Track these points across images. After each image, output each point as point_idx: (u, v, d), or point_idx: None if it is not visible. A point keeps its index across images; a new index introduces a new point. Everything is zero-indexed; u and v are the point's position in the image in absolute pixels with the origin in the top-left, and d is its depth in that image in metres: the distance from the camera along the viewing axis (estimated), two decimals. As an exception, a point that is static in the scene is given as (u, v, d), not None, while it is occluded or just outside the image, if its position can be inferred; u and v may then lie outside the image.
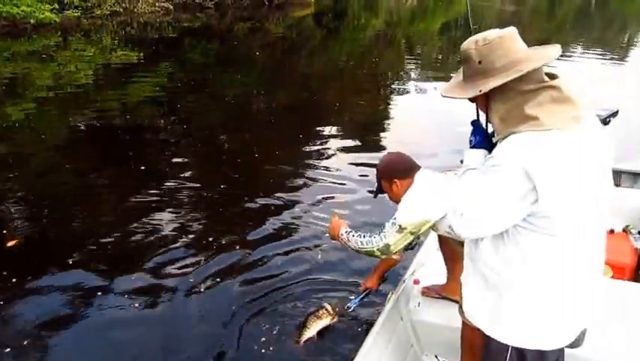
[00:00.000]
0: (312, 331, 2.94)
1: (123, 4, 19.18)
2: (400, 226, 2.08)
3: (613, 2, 54.30)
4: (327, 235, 2.57)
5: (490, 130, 1.59)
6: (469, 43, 1.49)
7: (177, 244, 4.10)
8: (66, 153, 6.25)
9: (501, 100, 1.44)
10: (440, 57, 15.66)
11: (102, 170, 5.67)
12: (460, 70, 1.57)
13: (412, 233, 2.10)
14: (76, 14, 16.85)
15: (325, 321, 2.97)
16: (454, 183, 1.57)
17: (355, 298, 3.09)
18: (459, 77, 1.57)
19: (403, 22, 26.48)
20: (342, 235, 2.35)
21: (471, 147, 1.62)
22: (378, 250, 2.17)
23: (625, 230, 3.39)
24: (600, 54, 15.71)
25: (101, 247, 4.09)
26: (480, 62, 1.46)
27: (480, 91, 1.43)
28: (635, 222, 3.43)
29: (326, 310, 3.01)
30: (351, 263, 3.75)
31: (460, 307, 1.90)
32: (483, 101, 1.49)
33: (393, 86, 11.14)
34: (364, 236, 2.24)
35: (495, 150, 1.44)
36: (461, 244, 2.36)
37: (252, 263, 3.86)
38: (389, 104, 9.48)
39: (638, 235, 3.32)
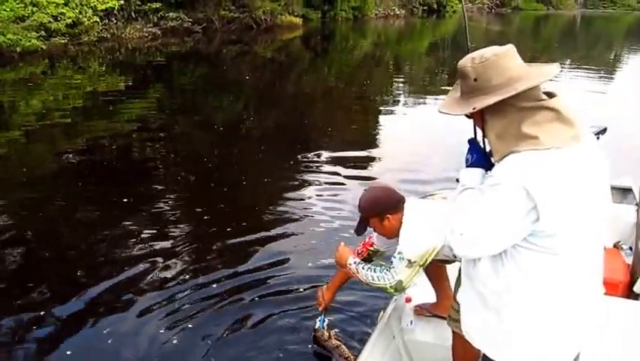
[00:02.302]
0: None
1: (111, 30, 19.19)
2: (409, 260, 2.12)
3: (597, 21, 55.67)
4: (334, 260, 2.55)
5: (487, 148, 1.57)
6: (465, 61, 1.48)
7: (164, 273, 4.00)
8: (53, 182, 6.09)
9: (497, 117, 1.43)
10: (428, 76, 15.78)
11: (90, 198, 5.55)
12: (458, 85, 1.56)
13: (420, 265, 2.16)
14: (63, 41, 16.76)
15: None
16: (452, 202, 1.56)
17: (321, 319, 2.95)
18: (456, 93, 1.56)
19: (391, 43, 26.75)
20: (350, 265, 2.35)
21: (467, 166, 1.59)
22: (391, 287, 2.20)
23: (616, 246, 3.37)
24: (587, 72, 15.96)
25: (89, 275, 4.00)
26: (476, 80, 1.45)
27: (474, 108, 1.43)
28: (625, 238, 3.43)
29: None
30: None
31: (450, 318, 1.89)
32: (479, 118, 1.49)
33: (382, 106, 11.14)
34: (375, 271, 2.25)
35: (494, 169, 1.43)
36: (444, 260, 2.42)
37: (239, 294, 3.72)
38: (379, 124, 9.46)
39: (629, 251, 3.31)
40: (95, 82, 12.65)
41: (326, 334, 2.91)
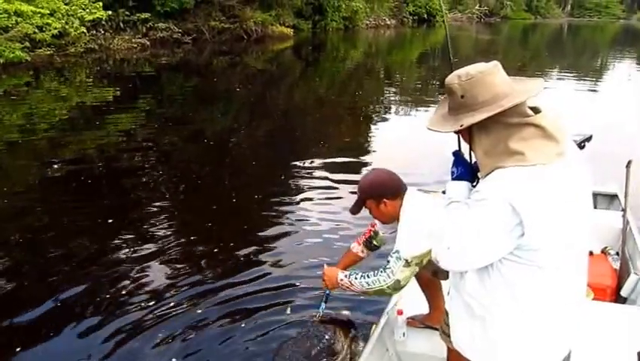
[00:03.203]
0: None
1: (98, 41, 18.83)
2: (406, 260, 2.11)
3: (584, 30, 56.38)
4: (324, 287, 2.51)
5: (472, 160, 1.60)
6: (452, 78, 1.50)
7: (151, 287, 3.88)
8: (39, 196, 5.85)
9: (485, 133, 1.45)
10: (419, 86, 15.70)
11: (76, 212, 5.34)
12: (445, 101, 1.58)
13: (417, 264, 2.16)
14: (48, 52, 16.37)
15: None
16: (440, 214, 1.57)
17: (321, 304, 2.83)
18: (444, 109, 1.58)
19: (382, 53, 26.73)
20: (341, 280, 2.32)
21: (453, 179, 1.61)
22: (388, 287, 2.17)
23: (603, 251, 3.47)
24: (575, 79, 16.09)
25: (74, 287, 3.88)
26: (463, 97, 1.47)
27: (461, 126, 1.45)
28: (612, 244, 3.52)
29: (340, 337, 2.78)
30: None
31: (443, 332, 1.91)
32: (467, 134, 1.51)
33: (374, 116, 11.01)
34: (368, 276, 2.21)
35: (480, 185, 1.46)
36: (434, 273, 2.46)
37: (228, 311, 3.59)
38: (371, 135, 9.30)
39: (616, 256, 3.40)
40: (81, 94, 12.33)
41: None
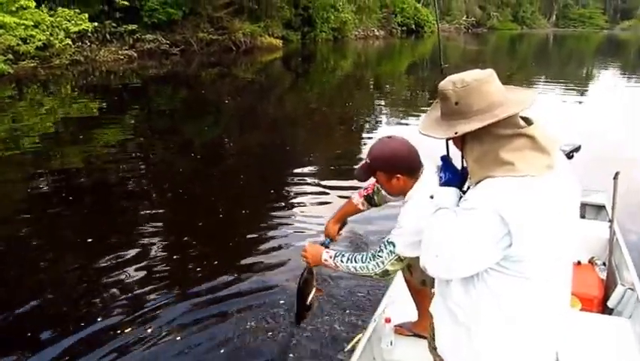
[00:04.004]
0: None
1: (84, 53, 18.64)
2: (399, 256, 2.02)
3: (569, 40, 57.11)
4: (305, 262, 2.31)
5: (459, 166, 1.59)
6: (446, 84, 1.48)
7: (137, 303, 3.80)
8: (22, 209, 5.72)
9: (476, 142, 1.44)
10: (409, 96, 15.70)
11: (61, 227, 5.25)
12: (437, 105, 1.56)
13: (411, 259, 2.06)
14: (32, 64, 16.13)
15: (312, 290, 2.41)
16: (428, 221, 1.54)
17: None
18: (436, 112, 1.56)
19: (371, 63, 26.76)
20: (326, 260, 2.19)
21: (441, 184, 1.59)
22: (376, 275, 2.08)
23: (591, 261, 3.48)
24: (561, 88, 16.19)
25: (61, 302, 3.87)
26: (457, 104, 1.46)
27: (455, 133, 1.44)
28: (600, 254, 3.54)
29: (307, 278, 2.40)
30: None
31: (432, 347, 1.88)
32: (458, 141, 1.50)
33: (365, 127, 10.93)
34: (356, 261, 2.09)
35: (470, 193, 1.45)
36: (423, 282, 2.43)
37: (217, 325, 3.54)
38: (362, 145, 9.17)
39: (603, 267, 3.43)
40: (66, 106, 12.14)
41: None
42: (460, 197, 1.54)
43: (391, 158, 2.04)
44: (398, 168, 2.03)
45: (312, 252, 2.24)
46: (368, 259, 2.06)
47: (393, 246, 2.01)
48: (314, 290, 2.34)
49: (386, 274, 2.08)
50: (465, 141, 1.47)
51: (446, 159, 1.62)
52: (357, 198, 2.51)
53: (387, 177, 2.07)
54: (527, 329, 1.50)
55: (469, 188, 1.53)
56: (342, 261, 2.12)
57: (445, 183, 1.58)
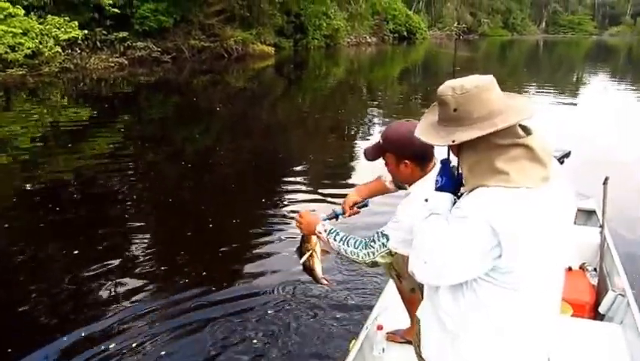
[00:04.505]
0: (318, 269, 2.35)
1: (74, 61, 18.54)
2: (390, 251, 2.01)
3: (559, 46, 57.60)
4: (297, 227, 2.26)
5: (457, 172, 1.58)
6: (446, 89, 1.44)
7: (127, 313, 3.75)
8: (10, 218, 5.63)
9: (472, 150, 1.42)
10: (402, 102, 15.69)
11: (50, 236, 5.16)
12: (434, 109, 1.53)
13: (399, 263, 2.10)
14: (20, 72, 16.01)
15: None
16: (420, 226, 1.51)
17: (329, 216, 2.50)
18: (433, 117, 1.53)
19: (364, 70, 26.83)
20: (319, 233, 2.16)
21: (437, 188, 1.56)
22: (365, 263, 2.07)
23: (582, 267, 3.48)
24: (552, 94, 16.29)
25: (52, 312, 3.81)
26: (455, 110, 1.43)
27: (453, 142, 1.42)
28: (591, 260, 3.54)
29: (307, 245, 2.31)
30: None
31: (416, 350, 1.90)
32: (455, 148, 1.48)
33: (357, 134, 10.91)
34: (348, 244, 2.06)
35: (462, 201, 1.43)
36: (412, 290, 2.39)
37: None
38: (354, 154, 9.09)
39: (594, 272, 3.43)
40: (56, 114, 12.02)
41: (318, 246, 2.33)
42: (454, 203, 1.52)
43: (403, 140, 1.95)
44: (408, 153, 1.96)
45: (307, 220, 2.20)
46: (360, 247, 2.03)
47: (387, 239, 1.99)
48: (307, 253, 2.29)
49: (375, 265, 2.07)
50: (462, 148, 1.45)
51: (445, 163, 1.59)
52: (388, 177, 2.41)
53: (396, 162, 2.01)
54: (516, 339, 1.49)
55: (462, 195, 1.51)
56: (334, 239, 2.09)
57: (439, 188, 1.55)
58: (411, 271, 1.50)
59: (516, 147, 1.38)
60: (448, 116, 1.45)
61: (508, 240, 1.33)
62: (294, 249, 2.37)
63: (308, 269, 2.34)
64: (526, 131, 1.44)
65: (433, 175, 1.94)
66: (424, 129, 1.54)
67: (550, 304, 1.54)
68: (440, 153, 1.67)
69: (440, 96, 1.46)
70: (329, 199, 6.13)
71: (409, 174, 2.02)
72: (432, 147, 1.93)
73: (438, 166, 1.94)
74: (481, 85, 1.41)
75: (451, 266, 1.41)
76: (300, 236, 2.32)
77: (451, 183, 1.55)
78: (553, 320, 1.57)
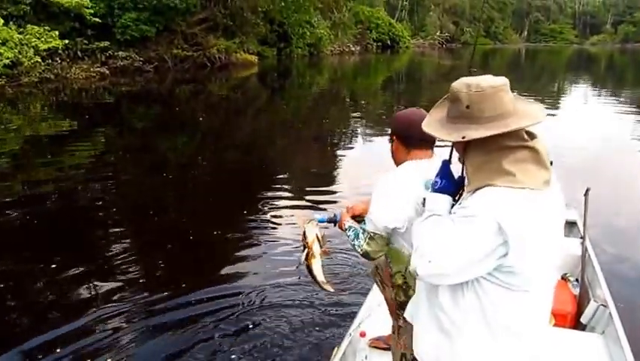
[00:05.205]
0: (320, 275, 2.22)
1: (55, 71, 18.33)
2: (370, 234, 2.00)
3: (541, 54, 58.48)
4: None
5: (456, 175, 1.58)
6: (460, 86, 1.44)
7: (109, 327, 3.70)
8: None
9: (481, 150, 1.42)
10: (385, 111, 15.65)
11: (29, 249, 5.11)
12: (443, 105, 1.53)
13: (384, 239, 2.02)
14: (-1, 83, 15.78)
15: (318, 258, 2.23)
16: (418, 226, 1.51)
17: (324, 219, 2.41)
18: (441, 113, 1.53)
19: (348, 79, 26.93)
20: (344, 224, 2.19)
21: (435, 190, 1.55)
22: (361, 255, 2.07)
23: (564, 278, 3.50)
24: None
25: (33, 325, 3.74)
26: (468, 107, 1.42)
27: (463, 138, 1.41)
28: (572, 270, 3.56)
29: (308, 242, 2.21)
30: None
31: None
32: (461, 146, 1.48)
33: (341, 143, 10.92)
34: (351, 236, 2.09)
35: (469, 201, 1.42)
36: (400, 305, 2.26)
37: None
38: (338, 163, 9.12)
39: (576, 283, 3.46)
40: (35, 125, 11.88)
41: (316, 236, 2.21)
42: (453, 205, 1.52)
43: (397, 118, 2.10)
44: (395, 130, 2.09)
45: (344, 216, 2.23)
46: (356, 239, 2.07)
47: (365, 224, 2.04)
48: (304, 252, 2.20)
49: (368, 256, 2.04)
50: (468, 146, 1.45)
51: (447, 165, 1.58)
52: None
53: (390, 138, 2.13)
54: (512, 342, 1.49)
55: (460, 197, 1.53)
56: (347, 230, 2.13)
57: (439, 190, 1.54)
58: (413, 270, 1.48)
59: (523, 149, 1.40)
60: (459, 112, 1.45)
61: (516, 239, 1.34)
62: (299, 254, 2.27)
63: (309, 270, 2.24)
64: (531, 135, 1.46)
65: (416, 164, 2.02)
66: (432, 124, 1.53)
67: (544, 309, 1.55)
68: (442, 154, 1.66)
69: (454, 92, 1.45)
70: (311, 210, 6.08)
71: (395, 153, 2.11)
72: (423, 135, 1.79)
73: (426, 162, 2.02)
74: (497, 85, 1.42)
75: (457, 265, 1.40)
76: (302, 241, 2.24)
77: (451, 185, 1.55)
78: (544, 327, 1.58)
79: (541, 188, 1.39)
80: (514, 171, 1.37)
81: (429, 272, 1.44)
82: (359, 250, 2.06)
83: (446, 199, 1.53)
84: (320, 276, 2.21)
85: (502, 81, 1.44)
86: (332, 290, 2.38)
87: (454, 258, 1.40)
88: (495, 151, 1.41)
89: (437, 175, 1.58)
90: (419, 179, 1.97)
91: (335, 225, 2.40)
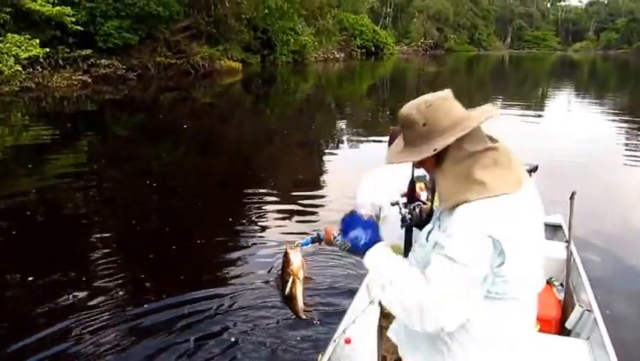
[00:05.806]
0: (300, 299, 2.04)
1: (36, 79, 18.10)
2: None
3: (524, 61, 59.22)
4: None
5: (404, 210, 1.67)
6: (409, 109, 1.46)
7: (94, 339, 3.63)
8: None
9: (452, 160, 1.42)
10: (370, 116, 15.84)
11: (9, 260, 5.03)
12: (396, 140, 1.56)
13: None
14: (-22, 92, 15.53)
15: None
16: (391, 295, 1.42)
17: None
18: (399, 144, 1.54)
19: (332, 86, 26.98)
20: (332, 235, 1.97)
21: (363, 248, 1.50)
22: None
23: (548, 282, 3.48)
24: (518, 109, 16.59)
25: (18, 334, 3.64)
26: (425, 125, 1.44)
27: (435, 150, 1.40)
28: (557, 274, 3.53)
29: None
30: None
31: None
32: (432, 163, 1.46)
33: (326, 150, 10.91)
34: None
35: (451, 227, 1.36)
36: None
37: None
38: (324, 169, 9.11)
39: (561, 287, 3.43)
40: (16, 134, 11.72)
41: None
42: (429, 232, 1.51)
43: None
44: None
45: (328, 231, 2.01)
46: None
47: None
48: (290, 280, 2.04)
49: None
50: (440, 161, 1.44)
51: (353, 215, 1.55)
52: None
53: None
54: (505, 350, 1.49)
55: (429, 217, 1.52)
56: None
57: (368, 245, 1.50)
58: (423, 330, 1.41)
59: (490, 152, 1.41)
60: (417, 134, 1.45)
61: (511, 245, 1.34)
62: (272, 280, 2.24)
63: (290, 299, 2.15)
64: (492, 140, 1.47)
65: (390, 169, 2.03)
66: (397, 155, 1.53)
67: (533, 314, 1.55)
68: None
69: (406, 117, 1.47)
70: (296, 217, 6.06)
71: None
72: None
73: (400, 170, 2.00)
74: (442, 96, 1.46)
75: (463, 294, 1.35)
76: (278, 264, 2.14)
77: (375, 232, 1.52)
78: (531, 333, 1.58)
79: (515, 190, 1.38)
80: (486, 180, 1.36)
81: (440, 326, 1.38)
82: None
83: (386, 256, 1.48)
84: (301, 303, 2.14)
85: (445, 92, 1.47)
86: (306, 318, 2.29)
87: (457, 288, 1.34)
88: (466, 159, 1.40)
89: (350, 229, 1.55)
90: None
91: (320, 243, 2.33)
